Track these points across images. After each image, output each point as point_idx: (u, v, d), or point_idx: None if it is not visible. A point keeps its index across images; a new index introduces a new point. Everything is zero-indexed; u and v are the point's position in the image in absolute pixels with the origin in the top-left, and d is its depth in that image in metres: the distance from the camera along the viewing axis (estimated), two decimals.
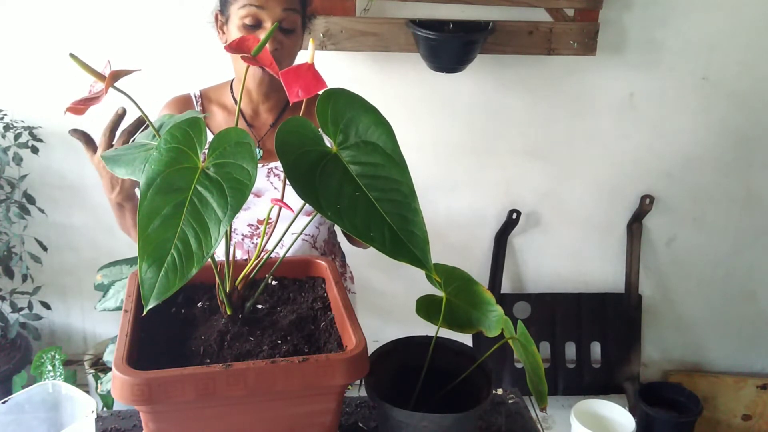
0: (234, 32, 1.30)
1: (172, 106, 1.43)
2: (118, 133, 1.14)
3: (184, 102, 1.44)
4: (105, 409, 1.93)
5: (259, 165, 1.39)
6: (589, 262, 2.56)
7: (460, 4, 2.10)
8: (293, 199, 0.80)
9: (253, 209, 1.40)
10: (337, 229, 1.62)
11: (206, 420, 0.82)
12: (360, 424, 1.13)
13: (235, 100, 1.44)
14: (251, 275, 0.95)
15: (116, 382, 0.76)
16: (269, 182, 1.40)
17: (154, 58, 2.13)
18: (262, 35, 1.25)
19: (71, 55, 0.80)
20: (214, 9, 1.37)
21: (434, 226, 2.32)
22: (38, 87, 2.14)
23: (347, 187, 0.78)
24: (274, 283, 1.06)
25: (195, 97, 1.45)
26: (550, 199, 2.45)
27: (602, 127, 2.36)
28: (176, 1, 2.07)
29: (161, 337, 0.91)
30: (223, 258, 0.92)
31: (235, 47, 0.83)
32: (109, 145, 1.13)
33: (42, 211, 2.17)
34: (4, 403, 0.99)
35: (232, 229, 1.41)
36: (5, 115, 2.11)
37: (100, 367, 2.26)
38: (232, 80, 1.47)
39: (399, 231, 0.77)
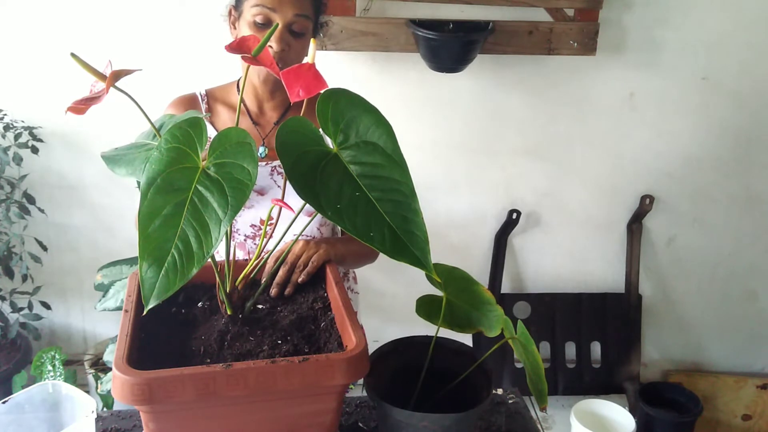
0: (244, 29, 1.31)
1: (177, 105, 1.43)
2: None
3: (189, 101, 1.43)
4: (105, 409, 1.93)
5: (263, 163, 1.39)
6: (589, 262, 2.56)
7: (460, 4, 2.09)
8: (294, 198, 0.80)
9: (257, 207, 1.40)
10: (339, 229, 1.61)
11: (206, 420, 0.82)
12: (360, 424, 1.13)
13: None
14: (251, 275, 0.95)
15: (116, 382, 0.77)
16: (273, 180, 1.40)
17: (155, 58, 2.13)
18: None
19: (72, 54, 0.80)
20: (228, 4, 1.38)
21: (434, 226, 2.31)
22: (38, 87, 2.14)
23: (347, 187, 0.78)
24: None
25: (201, 95, 1.45)
26: (550, 199, 2.45)
27: (602, 126, 2.36)
28: (177, 1, 2.07)
29: (161, 337, 0.91)
30: (224, 258, 0.92)
31: (235, 47, 0.83)
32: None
33: (42, 211, 2.17)
34: (4, 403, 0.99)
35: (234, 231, 1.41)
36: (5, 115, 2.11)
37: (100, 367, 2.26)
38: (239, 79, 1.48)
39: (399, 231, 0.77)
